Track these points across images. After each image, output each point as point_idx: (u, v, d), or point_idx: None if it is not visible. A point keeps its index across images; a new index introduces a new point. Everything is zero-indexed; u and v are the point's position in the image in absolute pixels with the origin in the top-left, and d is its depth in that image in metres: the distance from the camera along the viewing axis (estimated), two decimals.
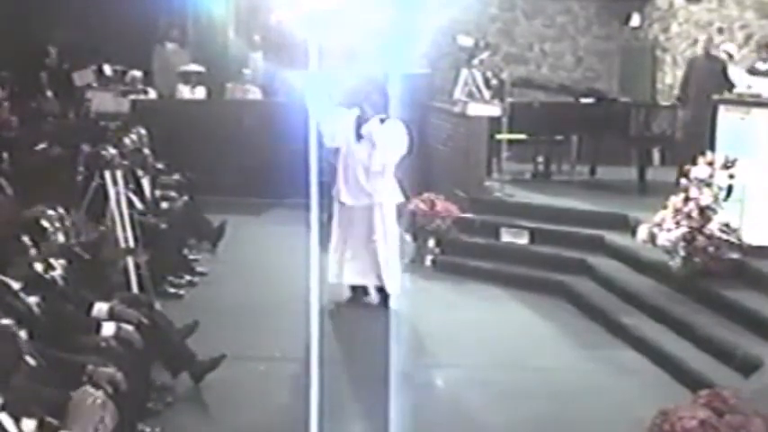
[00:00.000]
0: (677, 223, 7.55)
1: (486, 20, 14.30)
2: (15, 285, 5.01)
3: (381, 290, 8.15)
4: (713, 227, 7.45)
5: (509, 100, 10.39)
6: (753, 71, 10.81)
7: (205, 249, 9.60)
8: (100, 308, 5.52)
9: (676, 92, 12.05)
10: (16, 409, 3.89)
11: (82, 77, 12.56)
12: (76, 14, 12.97)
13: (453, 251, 9.57)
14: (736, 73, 10.84)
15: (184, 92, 12.92)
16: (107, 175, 7.37)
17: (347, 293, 8.29)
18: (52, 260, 5.63)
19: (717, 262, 7.41)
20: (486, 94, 10.96)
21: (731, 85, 10.02)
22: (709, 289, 7.34)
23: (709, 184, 7.53)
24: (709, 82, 10.37)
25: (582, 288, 8.46)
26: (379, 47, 11.74)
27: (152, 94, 12.85)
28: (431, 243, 9.56)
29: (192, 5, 13.93)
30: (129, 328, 5.41)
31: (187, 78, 12.93)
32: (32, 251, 5.28)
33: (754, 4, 13.15)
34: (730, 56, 11.32)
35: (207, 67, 13.19)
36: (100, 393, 4.35)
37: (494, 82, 11.15)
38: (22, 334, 4.51)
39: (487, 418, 6.02)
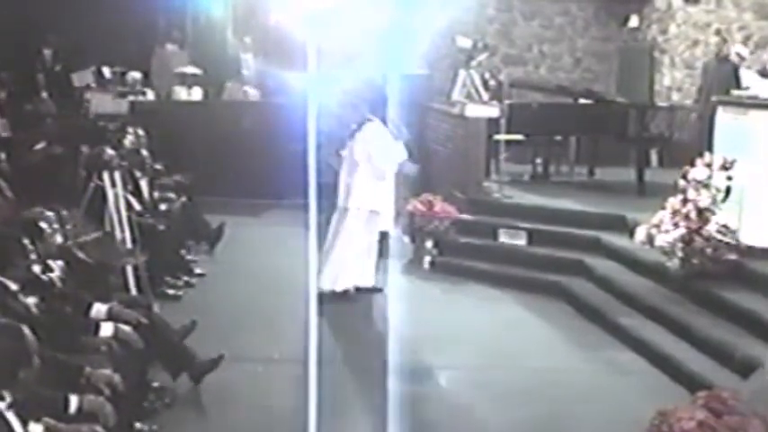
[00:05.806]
0: (675, 224, 7.55)
1: (484, 21, 14.29)
2: (13, 286, 5.01)
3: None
4: (711, 228, 7.45)
5: (507, 101, 10.38)
6: (764, 72, 10.83)
7: (203, 250, 9.59)
8: (98, 309, 5.53)
9: (676, 94, 12.07)
10: (24, 410, 3.88)
11: (81, 78, 12.57)
12: (76, 15, 12.96)
13: (451, 252, 9.57)
14: (747, 75, 10.85)
15: (181, 93, 12.92)
16: (105, 176, 7.38)
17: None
18: (50, 261, 5.63)
19: (715, 263, 7.41)
20: (485, 95, 10.96)
21: (741, 88, 10.02)
22: (708, 290, 7.34)
23: (707, 186, 7.54)
24: (721, 84, 10.36)
25: (580, 289, 8.47)
26: (377, 48, 11.74)
27: (150, 96, 12.85)
28: (429, 244, 9.56)
29: (191, 7, 13.93)
30: (128, 328, 5.41)
31: (183, 80, 12.93)
32: (32, 254, 5.28)
33: (752, 5, 13.16)
34: (742, 58, 11.31)
35: (205, 68, 13.18)
36: None
37: (492, 83, 11.17)
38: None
39: (485, 419, 6.02)
